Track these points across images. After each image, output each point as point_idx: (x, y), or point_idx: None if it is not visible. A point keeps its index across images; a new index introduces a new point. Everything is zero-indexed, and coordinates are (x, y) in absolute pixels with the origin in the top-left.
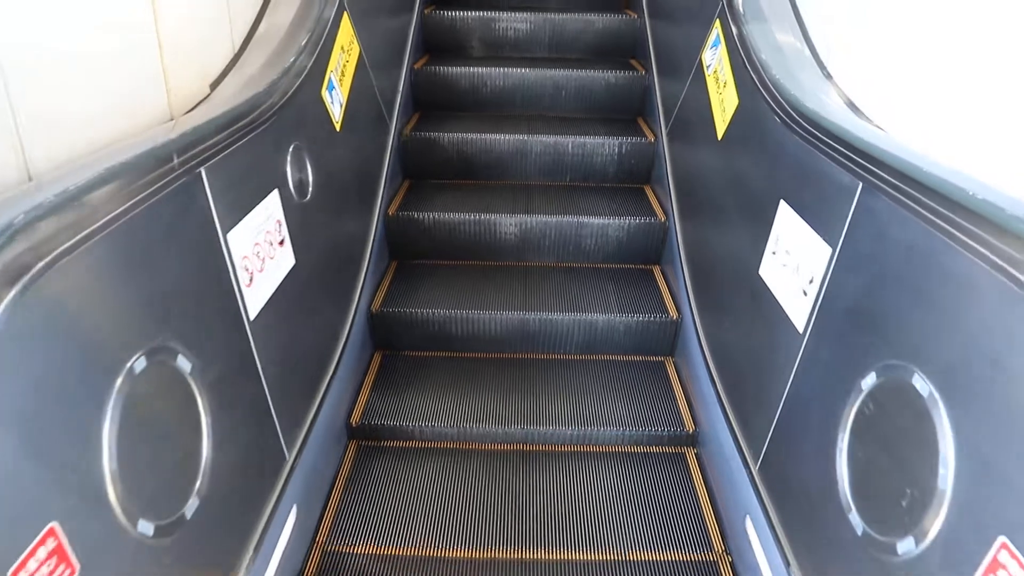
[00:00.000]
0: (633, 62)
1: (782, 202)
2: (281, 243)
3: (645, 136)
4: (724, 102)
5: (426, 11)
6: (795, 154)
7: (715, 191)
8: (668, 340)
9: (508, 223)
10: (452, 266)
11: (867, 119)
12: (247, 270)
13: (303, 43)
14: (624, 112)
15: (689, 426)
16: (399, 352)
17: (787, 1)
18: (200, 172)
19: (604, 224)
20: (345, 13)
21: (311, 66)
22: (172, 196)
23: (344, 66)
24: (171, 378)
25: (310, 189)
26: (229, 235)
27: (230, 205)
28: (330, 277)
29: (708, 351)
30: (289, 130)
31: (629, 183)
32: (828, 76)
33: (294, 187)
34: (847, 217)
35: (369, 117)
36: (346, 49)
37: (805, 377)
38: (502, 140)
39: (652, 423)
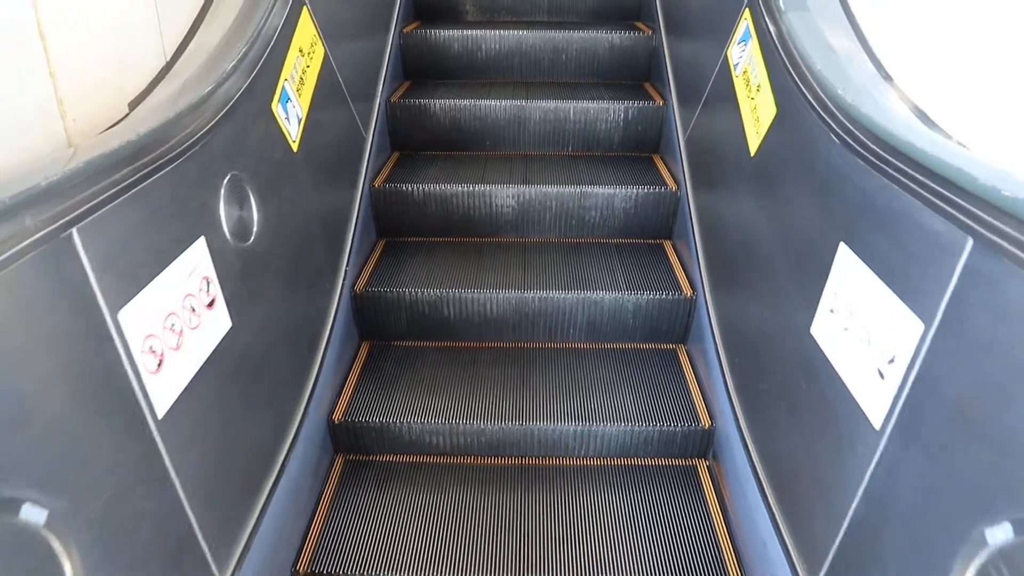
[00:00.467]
0: (639, 24)
1: (842, 247)
2: (211, 304)
3: (653, 99)
4: (758, 111)
5: None
6: (862, 186)
7: (749, 225)
8: (681, 329)
9: (505, 195)
10: (445, 243)
11: (947, 135)
12: (154, 352)
13: (243, 50)
14: (630, 77)
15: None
16: (388, 343)
17: None
18: (71, 235)
19: (609, 195)
20: (305, 8)
21: (255, 76)
22: (22, 275)
23: (304, 72)
24: (13, 539)
25: (254, 228)
26: (122, 313)
27: (123, 273)
28: (290, 327)
29: (745, 426)
30: (222, 159)
31: (636, 152)
32: (888, 78)
33: (231, 230)
34: (949, 283)
35: (339, 119)
36: (306, 52)
37: (885, 492)
38: (498, 107)
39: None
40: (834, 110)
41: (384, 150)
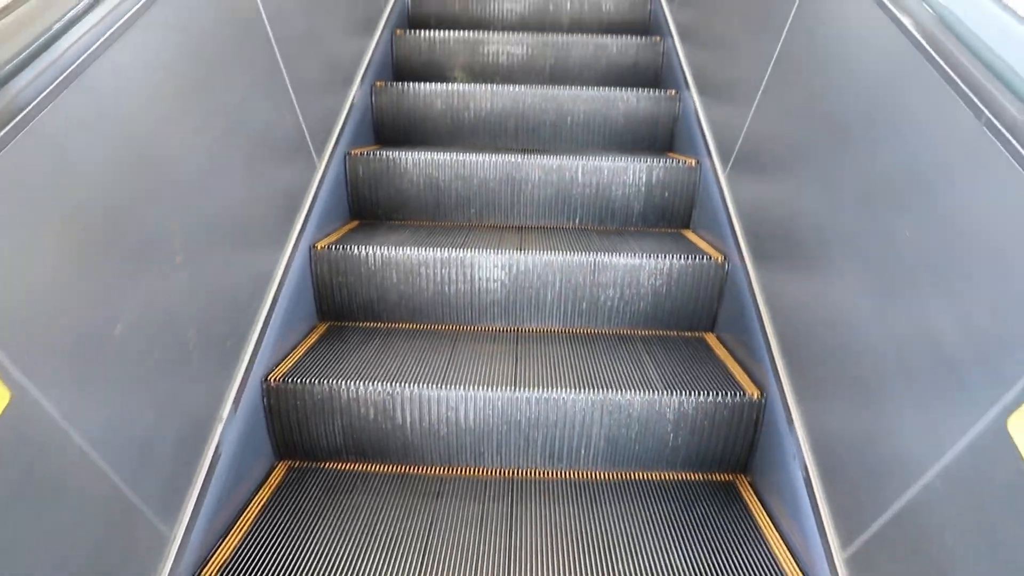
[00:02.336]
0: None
1: None
2: None
3: (683, 160)
4: None
5: (397, 32)
6: None
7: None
8: (744, 451)
9: (492, 265)
10: (408, 331)
11: None
12: None
13: None
14: (648, 147)
15: None
16: (314, 464)
17: None
18: None
19: (634, 267)
20: None
21: None
22: None
23: None
24: None
25: None
26: None
27: None
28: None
29: None
30: None
31: (662, 227)
32: None
33: None
34: None
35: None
36: None
37: None
38: (487, 164)
39: None
40: None
41: (338, 216)
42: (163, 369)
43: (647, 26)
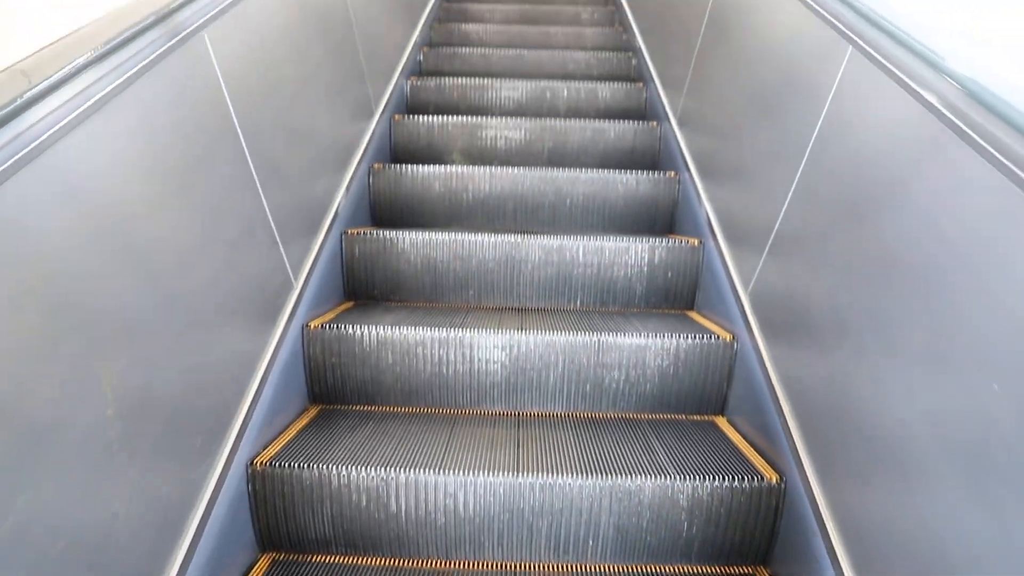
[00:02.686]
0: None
1: None
2: None
3: (686, 240)
4: None
5: (396, 117)
6: None
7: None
8: (764, 541)
9: (492, 345)
10: (404, 415)
11: None
12: None
13: None
14: (648, 229)
15: None
16: (301, 556)
17: None
18: None
19: (639, 346)
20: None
21: None
22: None
23: None
24: None
25: None
26: None
27: None
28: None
29: None
30: None
31: (666, 308)
32: None
33: None
34: None
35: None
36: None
37: None
38: (486, 244)
39: None
40: None
41: (332, 296)
42: (134, 453)
43: (643, 112)
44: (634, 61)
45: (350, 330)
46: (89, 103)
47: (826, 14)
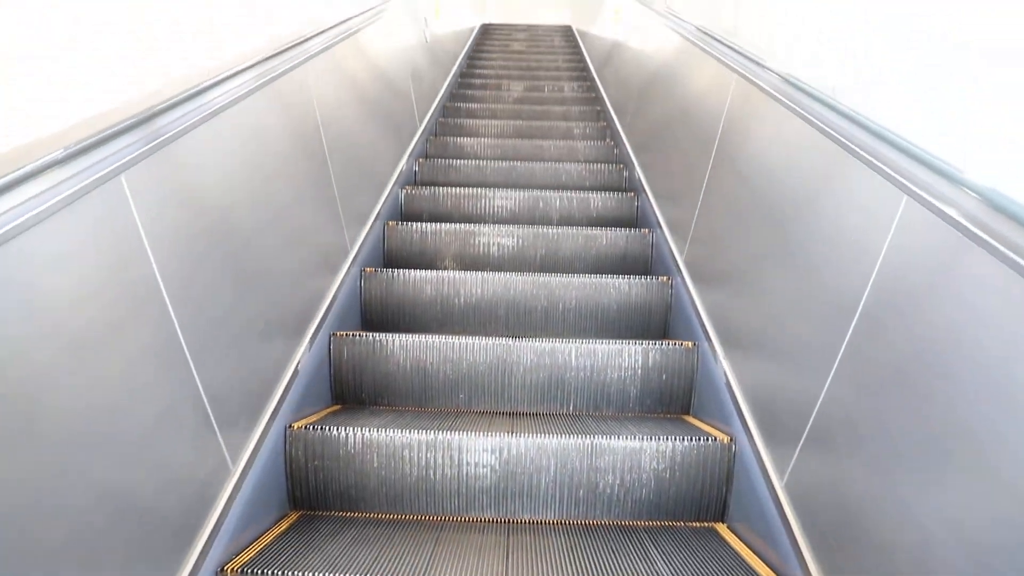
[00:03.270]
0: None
1: None
2: None
3: (680, 343)
4: None
5: (389, 224)
6: None
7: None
8: None
9: (481, 448)
10: (388, 521)
11: None
12: None
13: None
14: (642, 334)
15: None
16: None
17: None
18: None
19: (634, 449)
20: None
21: None
22: None
23: None
24: None
25: None
26: None
27: None
28: None
29: None
30: None
31: (661, 412)
32: None
33: None
34: None
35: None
36: None
37: None
38: (476, 347)
39: None
40: None
41: (319, 399)
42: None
43: (635, 220)
44: (626, 173)
45: (334, 432)
46: None
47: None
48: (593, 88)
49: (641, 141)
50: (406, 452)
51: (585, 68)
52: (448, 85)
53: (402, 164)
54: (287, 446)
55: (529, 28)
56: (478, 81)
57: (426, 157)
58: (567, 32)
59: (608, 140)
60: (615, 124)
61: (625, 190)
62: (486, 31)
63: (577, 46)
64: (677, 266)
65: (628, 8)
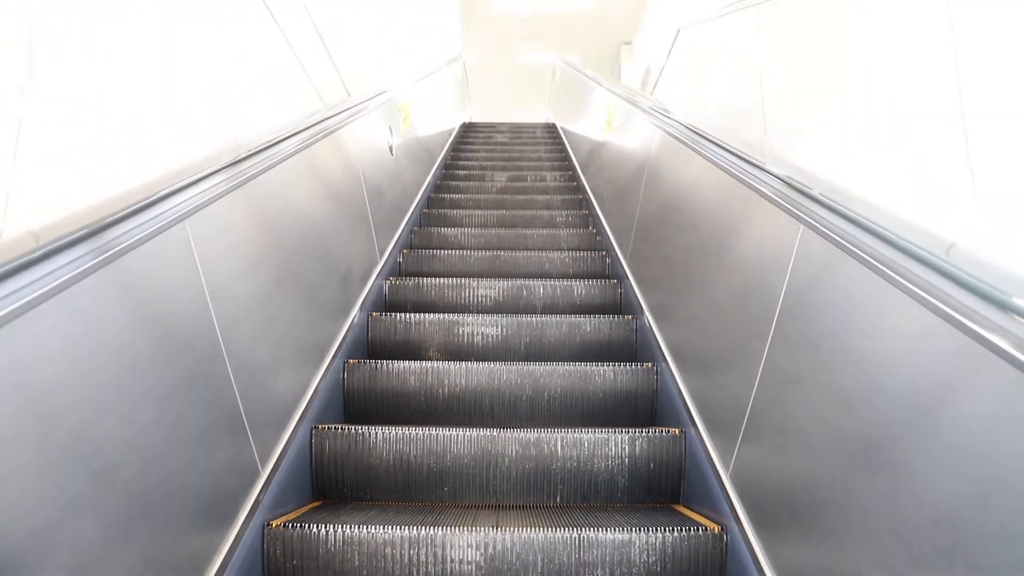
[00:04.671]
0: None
1: None
2: None
3: (668, 430)
4: None
5: (373, 314)
6: None
7: None
8: None
9: (465, 545)
10: None
11: None
12: None
13: None
14: (629, 422)
15: None
16: None
17: None
18: None
19: (623, 542)
20: None
21: None
22: None
23: None
24: None
25: None
26: None
27: None
28: None
29: None
30: None
31: (650, 502)
32: None
33: None
34: None
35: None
36: None
37: None
38: (461, 439)
39: None
40: None
41: (299, 494)
42: None
43: (618, 307)
44: (608, 260)
45: (314, 529)
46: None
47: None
48: (575, 177)
49: (622, 229)
50: (388, 550)
51: (567, 157)
52: (433, 176)
53: (387, 255)
54: (264, 545)
55: (513, 127)
56: (462, 172)
57: (411, 248)
58: (550, 127)
59: (590, 228)
60: (596, 212)
61: (608, 276)
62: (469, 127)
63: (559, 136)
64: (661, 352)
65: (611, 103)
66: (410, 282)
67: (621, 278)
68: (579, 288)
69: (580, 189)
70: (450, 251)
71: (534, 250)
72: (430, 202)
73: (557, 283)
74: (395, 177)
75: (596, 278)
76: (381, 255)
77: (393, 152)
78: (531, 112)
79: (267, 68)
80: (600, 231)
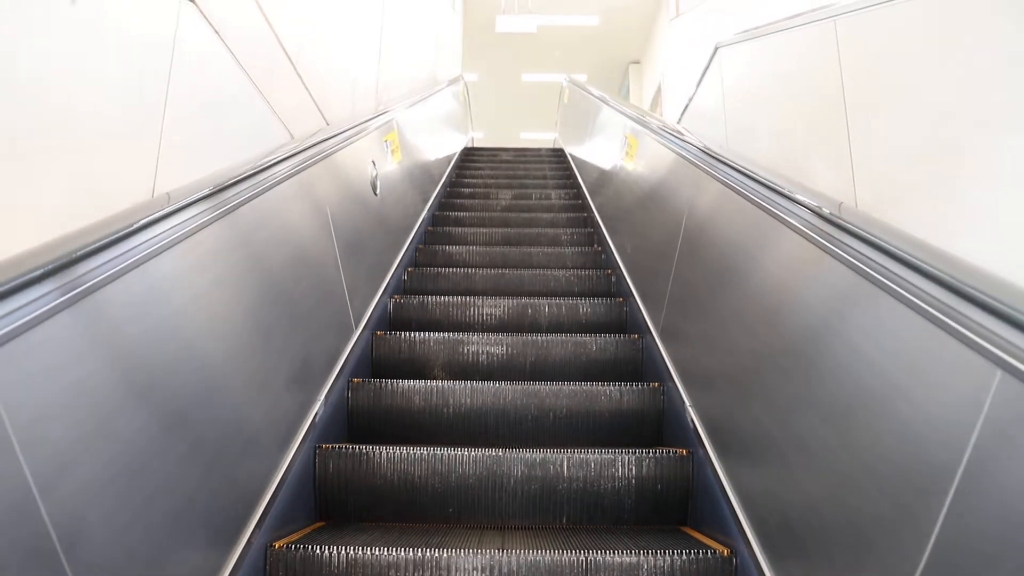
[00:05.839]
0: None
1: None
2: None
3: (674, 450)
4: None
5: (378, 333)
6: None
7: None
8: None
9: (471, 567)
10: None
11: None
12: None
13: None
14: (636, 443)
15: None
16: None
17: None
18: None
19: (631, 565)
20: None
21: None
22: None
23: None
24: None
25: None
26: None
27: None
28: None
29: None
30: None
31: (657, 523)
32: None
33: None
34: None
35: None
36: None
37: None
38: (466, 459)
39: None
40: None
41: (302, 515)
42: None
43: (624, 325)
44: (613, 278)
45: (317, 551)
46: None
47: None
48: (580, 195)
49: (628, 247)
50: (392, 572)
51: (571, 176)
52: (437, 195)
53: (391, 273)
54: (267, 567)
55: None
56: (467, 191)
57: (416, 266)
58: (557, 150)
59: (596, 246)
60: (602, 230)
61: (613, 295)
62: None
63: (564, 157)
64: (668, 371)
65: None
66: (415, 300)
67: (627, 296)
68: (584, 306)
69: (585, 207)
70: (454, 268)
71: (539, 268)
72: (434, 220)
73: (562, 301)
74: (379, 223)
75: (602, 296)
76: (386, 272)
77: (378, 193)
78: (538, 134)
79: (205, 96)
80: (606, 249)
